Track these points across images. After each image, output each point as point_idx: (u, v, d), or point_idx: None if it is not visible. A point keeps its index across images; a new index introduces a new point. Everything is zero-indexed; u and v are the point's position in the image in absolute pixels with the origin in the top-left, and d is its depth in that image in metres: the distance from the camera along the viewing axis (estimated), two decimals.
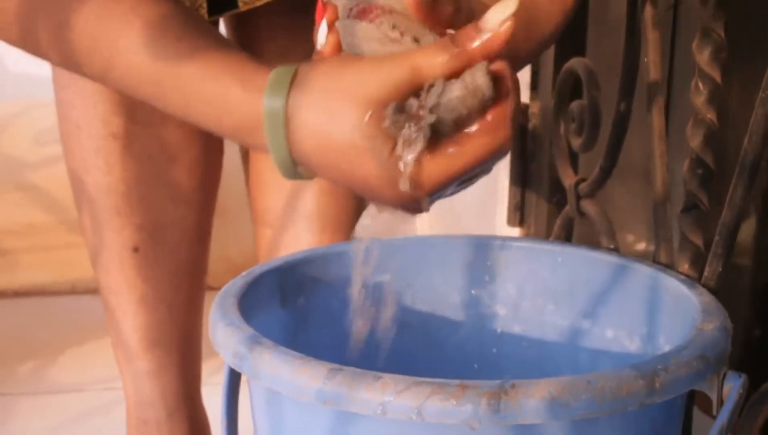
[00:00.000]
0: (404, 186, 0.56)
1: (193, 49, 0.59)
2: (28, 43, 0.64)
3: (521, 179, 1.43)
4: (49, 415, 1.38)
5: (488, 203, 1.58)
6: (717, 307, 0.66)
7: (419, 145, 0.55)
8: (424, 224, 2.35)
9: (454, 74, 0.55)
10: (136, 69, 0.60)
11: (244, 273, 0.72)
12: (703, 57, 0.74)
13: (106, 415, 1.36)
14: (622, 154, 0.86)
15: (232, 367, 0.62)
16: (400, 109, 0.55)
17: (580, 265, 0.78)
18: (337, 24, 0.60)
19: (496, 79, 0.55)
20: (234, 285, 0.70)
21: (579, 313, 0.78)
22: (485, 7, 0.56)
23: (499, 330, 0.81)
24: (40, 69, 0.62)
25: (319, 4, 0.65)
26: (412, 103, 0.55)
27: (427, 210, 0.59)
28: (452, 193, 0.59)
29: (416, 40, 0.58)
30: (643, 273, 0.74)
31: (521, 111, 1.53)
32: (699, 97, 0.75)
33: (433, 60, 0.55)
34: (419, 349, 0.80)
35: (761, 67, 0.67)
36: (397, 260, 0.80)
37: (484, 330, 0.81)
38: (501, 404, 0.53)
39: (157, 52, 0.59)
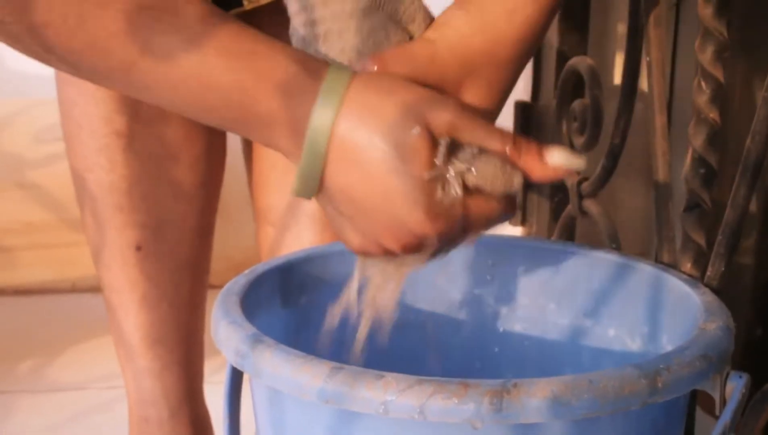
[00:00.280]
0: (445, 198, 0.58)
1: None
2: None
3: (523, 178, 1.43)
4: (49, 413, 1.38)
5: None
6: (719, 307, 0.65)
7: (458, 185, 0.59)
8: None
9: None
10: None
11: (246, 271, 0.72)
12: (705, 56, 0.74)
13: (106, 414, 1.35)
14: (624, 153, 0.86)
15: (234, 365, 0.62)
16: (453, 148, 0.58)
17: (582, 265, 0.78)
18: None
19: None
20: (236, 283, 0.70)
21: (581, 313, 0.78)
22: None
23: (501, 329, 0.81)
24: (41, 67, 0.62)
25: None
26: (461, 146, 0.59)
27: (428, 256, 0.61)
28: (434, 257, 0.62)
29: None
30: (645, 272, 0.74)
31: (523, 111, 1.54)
32: (701, 96, 0.74)
33: (492, 140, 0.59)
34: (421, 348, 0.80)
35: (764, 66, 0.68)
36: None
37: (486, 329, 0.81)
38: (503, 403, 0.53)
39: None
